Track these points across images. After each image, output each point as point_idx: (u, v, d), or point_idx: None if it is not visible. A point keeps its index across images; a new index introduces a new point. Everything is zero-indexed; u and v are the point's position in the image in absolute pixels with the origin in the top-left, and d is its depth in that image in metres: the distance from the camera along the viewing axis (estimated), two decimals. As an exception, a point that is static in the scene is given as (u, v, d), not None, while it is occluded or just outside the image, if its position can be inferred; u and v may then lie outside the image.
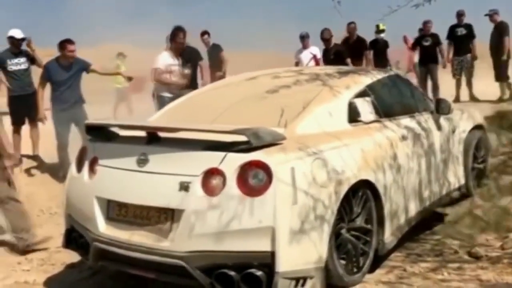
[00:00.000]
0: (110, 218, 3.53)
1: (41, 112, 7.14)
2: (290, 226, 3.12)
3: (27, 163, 7.39)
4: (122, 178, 3.49)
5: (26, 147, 7.63)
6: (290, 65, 8.92)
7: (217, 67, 10.47)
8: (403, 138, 4.21)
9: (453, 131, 5.02)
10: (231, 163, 3.15)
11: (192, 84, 7.44)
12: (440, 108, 4.83)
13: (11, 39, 7.47)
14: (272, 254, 3.07)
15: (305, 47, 9.97)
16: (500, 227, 4.39)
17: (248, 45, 31.31)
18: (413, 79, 10.33)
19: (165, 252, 3.22)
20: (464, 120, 5.31)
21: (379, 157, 3.84)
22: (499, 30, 11.09)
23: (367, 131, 3.97)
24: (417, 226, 4.43)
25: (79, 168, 3.83)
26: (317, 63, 9.72)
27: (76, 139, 6.46)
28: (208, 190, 3.17)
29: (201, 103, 4.47)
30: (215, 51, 10.73)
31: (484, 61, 11.82)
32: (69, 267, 4.43)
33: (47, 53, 8.53)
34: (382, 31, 11.10)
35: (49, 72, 7.03)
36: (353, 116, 3.98)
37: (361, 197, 3.65)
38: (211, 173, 3.18)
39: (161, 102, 6.71)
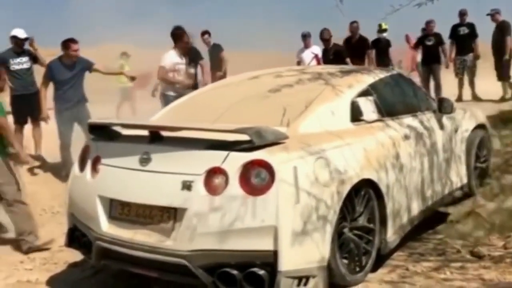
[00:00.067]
0: (112, 217, 3.54)
1: (44, 111, 7.14)
2: (293, 225, 3.12)
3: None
4: (124, 177, 3.50)
5: (28, 147, 7.62)
6: (290, 65, 8.90)
7: (218, 67, 10.47)
8: (406, 137, 4.21)
9: (456, 130, 5.01)
10: (234, 162, 3.15)
11: (193, 84, 7.46)
12: (443, 107, 4.83)
13: (15, 38, 7.46)
14: (274, 253, 3.07)
15: (307, 46, 9.97)
16: (505, 229, 4.39)
17: (248, 45, 31.26)
18: (416, 79, 10.31)
19: (167, 251, 3.22)
20: (466, 119, 5.30)
21: (381, 156, 3.83)
22: (501, 30, 11.06)
23: (369, 130, 3.96)
24: (420, 225, 4.43)
25: (82, 167, 3.84)
26: (318, 63, 9.72)
27: (79, 138, 6.46)
28: (211, 189, 3.17)
29: (203, 102, 4.47)
30: (215, 51, 10.72)
31: (486, 61, 11.78)
32: (72, 266, 4.44)
33: (48, 52, 8.50)
34: (385, 30, 11.07)
35: (52, 71, 7.01)
36: (356, 115, 3.97)
37: (364, 196, 3.64)
38: (213, 172, 3.18)
39: (166, 101, 6.71)
